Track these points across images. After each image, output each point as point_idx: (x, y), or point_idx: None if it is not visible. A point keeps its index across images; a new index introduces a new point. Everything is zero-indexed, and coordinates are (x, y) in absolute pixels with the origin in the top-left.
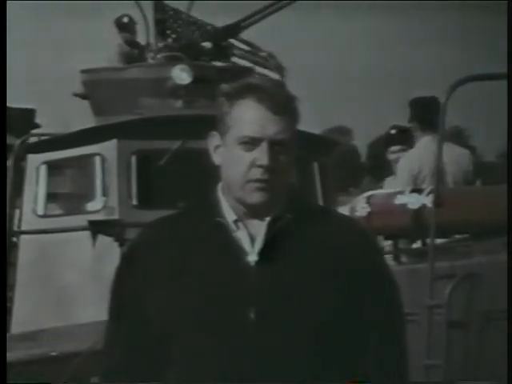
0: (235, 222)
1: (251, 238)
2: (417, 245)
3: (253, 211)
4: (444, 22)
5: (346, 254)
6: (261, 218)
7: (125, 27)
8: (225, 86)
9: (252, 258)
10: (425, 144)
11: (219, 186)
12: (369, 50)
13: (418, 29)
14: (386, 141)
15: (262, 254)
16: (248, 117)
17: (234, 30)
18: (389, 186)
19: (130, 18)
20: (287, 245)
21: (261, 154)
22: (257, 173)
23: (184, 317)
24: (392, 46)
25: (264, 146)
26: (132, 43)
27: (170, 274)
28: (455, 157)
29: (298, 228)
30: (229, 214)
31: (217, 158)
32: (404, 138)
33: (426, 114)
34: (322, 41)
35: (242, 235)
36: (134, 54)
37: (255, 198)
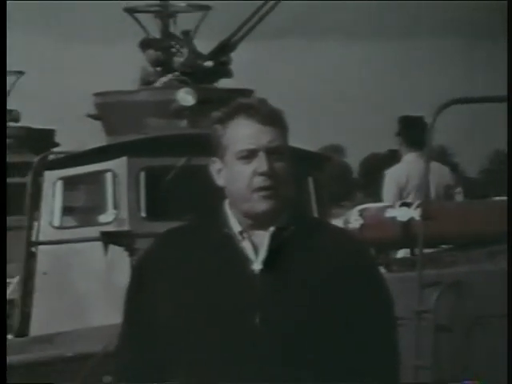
0: (240, 232)
1: (255, 247)
2: (406, 254)
3: (259, 222)
4: (433, 49)
5: (343, 264)
6: (265, 228)
7: (150, 44)
8: (216, 113)
9: (257, 266)
10: (411, 160)
11: (226, 202)
12: (365, 77)
13: (410, 56)
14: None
15: (266, 262)
16: (242, 133)
17: (228, 44)
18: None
19: (155, 37)
20: (289, 254)
21: (260, 163)
22: (259, 181)
23: (193, 321)
24: (386, 74)
25: (261, 156)
26: (157, 61)
27: (180, 281)
28: (437, 173)
29: (300, 239)
30: (235, 226)
31: (220, 180)
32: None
33: (412, 131)
34: (322, 68)
35: (246, 245)
36: (157, 73)
37: (262, 206)
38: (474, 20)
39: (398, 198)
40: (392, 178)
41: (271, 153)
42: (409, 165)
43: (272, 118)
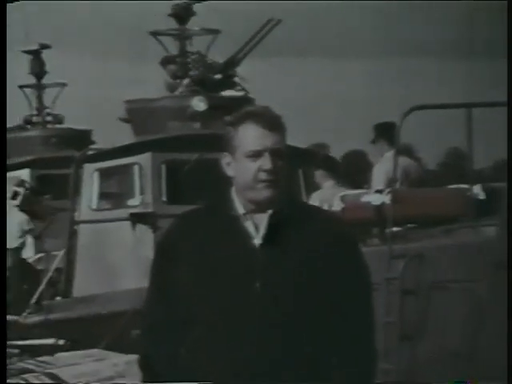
0: (244, 214)
1: (256, 226)
2: (378, 232)
3: (260, 207)
4: (430, 64)
5: (327, 240)
6: (264, 211)
7: (170, 60)
8: (228, 117)
9: (257, 241)
10: (391, 156)
11: (232, 190)
12: (354, 89)
13: (382, 71)
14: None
15: (265, 238)
16: (250, 136)
17: (234, 61)
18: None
19: (174, 54)
20: (284, 232)
21: (264, 162)
22: (263, 175)
23: (206, 285)
24: (376, 86)
25: (266, 156)
26: (176, 74)
27: (195, 253)
28: (408, 166)
29: (292, 219)
30: (239, 209)
31: (229, 171)
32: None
33: (389, 134)
34: (316, 79)
35: (249, 224)
36: (177, 84)
37: (264, 194)
38: (473, 20)
39: (387, 187)
40: (381, 170)
41: (274, 153)
42: (392, 160)
43: (274, 123)
